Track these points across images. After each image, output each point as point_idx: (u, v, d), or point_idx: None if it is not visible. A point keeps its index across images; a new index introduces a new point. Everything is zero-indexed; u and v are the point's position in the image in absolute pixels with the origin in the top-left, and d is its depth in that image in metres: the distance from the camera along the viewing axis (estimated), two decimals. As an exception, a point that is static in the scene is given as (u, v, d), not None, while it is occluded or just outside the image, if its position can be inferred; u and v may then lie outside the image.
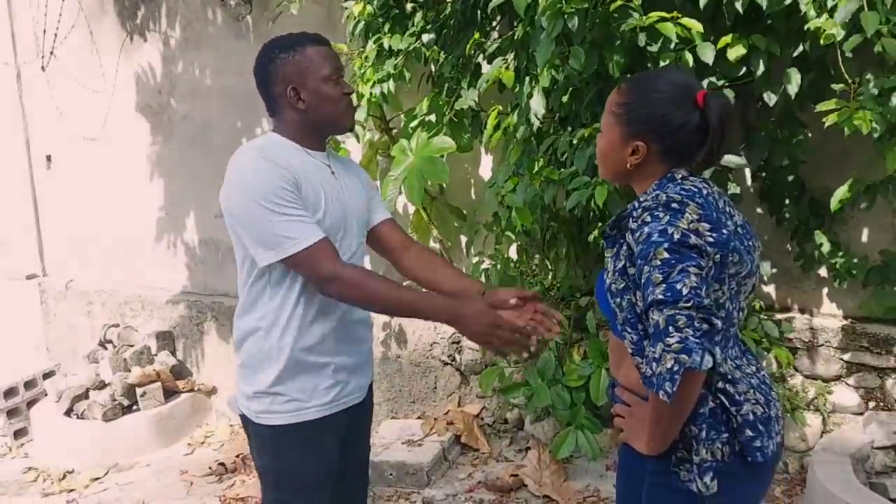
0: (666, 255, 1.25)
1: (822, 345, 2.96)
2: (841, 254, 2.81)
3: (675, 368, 1.21)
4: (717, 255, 1.30)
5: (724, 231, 1.32)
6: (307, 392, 1.75)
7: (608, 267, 1.45)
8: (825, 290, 3.00)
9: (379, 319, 3.83)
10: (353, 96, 1.81)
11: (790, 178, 2.86)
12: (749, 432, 1.37)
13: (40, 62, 4.69)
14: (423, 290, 1.88)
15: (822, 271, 2.96)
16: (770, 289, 3.11)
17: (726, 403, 1.36)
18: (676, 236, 1.26)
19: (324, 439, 1.78)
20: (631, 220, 1.37)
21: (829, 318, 2.99)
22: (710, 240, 1.29)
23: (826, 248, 2.80)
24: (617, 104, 1.44)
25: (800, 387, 2.97)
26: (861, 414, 2.91)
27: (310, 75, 1.73)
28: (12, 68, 4.80)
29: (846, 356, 2.91)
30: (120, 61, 4.48)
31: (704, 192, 1.37)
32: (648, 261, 1.26)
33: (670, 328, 1.22)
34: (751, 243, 1.43)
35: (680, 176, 1.40)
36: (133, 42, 4.44)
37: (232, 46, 4.09)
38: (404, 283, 2.17)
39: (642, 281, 1.29)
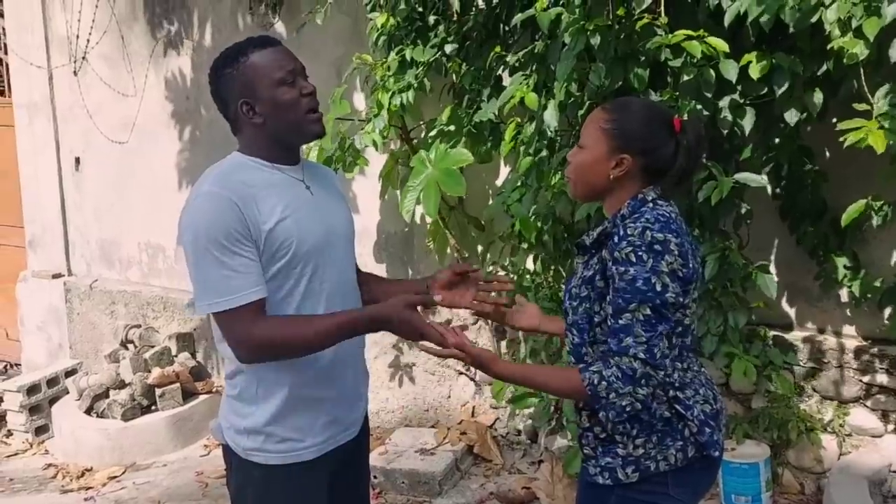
0: (649, 312, 1.44)
1: (841, 366, 2.92)
2: (860, 274, 2.78)
3: (629, 409, 1.46)
4: (683, 289, 1.48)
5: (691, 264, 1.49)
6: (303, 431, 1.63)
7: (577, 271, 1.62)
8: (845, 311, 2.97)
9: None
10: (315, 95, 1.63)
11: (811, 197, 2.84)
12: (707, 430, 1.53)
13: (72, 66, 4.80)
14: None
15: (842, 291, 2.93)
16: (790, 309, 3.08)
17: (681, 411, 1.52)
18: (659, 287, 1.44)
19: (315, 480, 1.66)
20: (613, 241, 1.49)
21: (849, 338, 2.96)
22: (681, 276, 1.46)
23: (844, 269, 2.77)
24: (605, 120, 1.56)
25: (816, 408, 2.94)
26: (879, 437, 2.87)
27: (259, 84, 1.57)
28: (45, 71, 4.91)
29: (865, 378, 2.88)
30: (149, 67, 4.57)
31: (673, 215, 1.53)
32: (631, 310, 1.44)
33: (643, 381, 1.44)
34: (699, 257, 1.59)
35: (651, 198, 1.54)
36: (162, 48, 4.52)
37: (258, 54, 4.15)
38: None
39: (614, 309, 1.46)
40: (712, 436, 1.54)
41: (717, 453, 1.56)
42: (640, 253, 1.44)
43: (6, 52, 5.15)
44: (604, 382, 1.45)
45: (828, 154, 2.85)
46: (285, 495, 1.64)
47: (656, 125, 1.55)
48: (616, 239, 1.48)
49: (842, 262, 2.80)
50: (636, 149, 1.53)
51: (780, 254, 3.04)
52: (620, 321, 1.45)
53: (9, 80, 5.19)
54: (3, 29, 5.15)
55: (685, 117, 1.81)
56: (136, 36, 4.60)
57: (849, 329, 2.98)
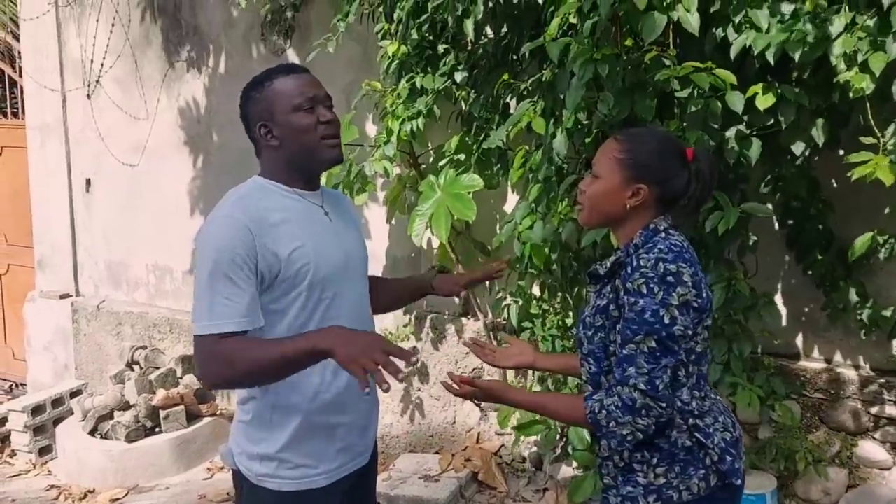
0: (654, 344, 1.44)
1: (849, 397, 2.91)
2: (868, 305, 2.78)
3: (630, 439, 1.46)
4: (696, 319, 1.48)
5: (705, 293, 1.51)
6: (316, 457, 1.64)
7: (589, 301, 1.62)
8: (852, 341, 2.96)
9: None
10: (335, 124, 1.67)
11: (817, 227, 2.85)
12: (728, 458, 1.53)
13: (86, 89, 4.87)
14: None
15: (850, 322, 2.93)
16: (797, 339, 3.07)
17: (701, 439, 1.51)
18: (667, 320, 1.44)
19: None
20: (626, 272, 1.50)
21: (856, 369, 2.95)
22: (696, 306, 1.47)
23: (852, 298, 2.77)
24: (620, 150, 1.57)
25: (824, 439, 2.92)
26: (888, 469, 2.84)
27: (277, 108, 1.61)
28: (58, 94, 4.98)
29: (873, 409, 2.86)
30: (162, 91, 4.63)
31: (685, 245, 1.55)
32: (637, 341, 1.45)
33: (643, 412, 1.44)
34: (710, 287, 1.62)
35: (663, 228, 1.55)
36: (175, 73, 4.58)
37: (269, 80, 4.20)
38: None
39: (622, 339, 1.47)
40: (733, 464, 1.53)
41: (738, 482, 1.55)
42: (651, 285, 1.45)
43: (21, 75, 5.22)
44: (604, 411, 1.46)
45: (835, 184, 2.87)
46: None
47: (670, 155, 1.57)
48: (629, 269, 1.49)
49: (849, 292, 2.80)
50: (651, 178, 1.55)
51: (786, 283, 3.04)
52: (625, 351, 1.46)
53: (23, 102, 5.26)
54: (19, 52, 5.23)
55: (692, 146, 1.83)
56: (149, 60, 4.67)
57: (856, 360, 2.97)
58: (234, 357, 1.50)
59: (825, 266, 2.87)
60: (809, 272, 2.93)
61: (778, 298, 3.04)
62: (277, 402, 1.62)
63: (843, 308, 2.83)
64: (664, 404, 1.45)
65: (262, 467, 1.63)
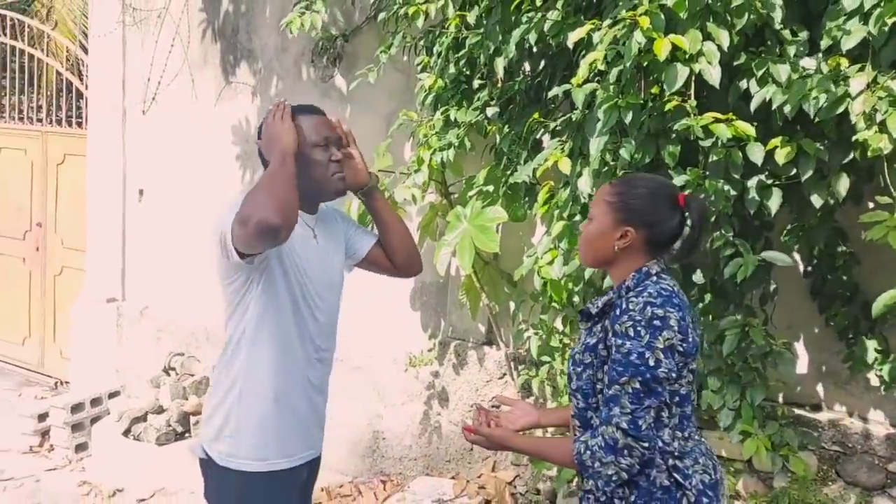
0: (638, 386, 1.50)
1: (867, 451, 2.87)
2: (890, 360, 2.75)
3: (615, 479, 1.51)
4: (681, 363, 1.52)
5: (691, 338, 1.54)
6: (280, 442, 1.83)
7: (580, 338, 1.68)
8: (873, 395, 2.93)
9: (424, 375, 3.92)
10: (342, 163, 1.95)
11: (843, 277, 2.84)
12: (704, 500, 1.56)
13: (144, 105, 5.11)
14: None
15: (871, 375, 2.90)
16: (818, 389, 3.05)
17: (679, 480, 1.55)
18: (651, 363, 1.50)
19: (289, 491, 1.84)
20: (615, 313, 1.56)
21: (876, 424, 2.91)
22: (681, 350, 1.52)
23: (874, 353, 2.75)
24: (611, 194, 1.65)
25: (839, 493, 2.88)
26: (904, 529, 2.80)
27: (299, 141, 1.86)
28: (119, 109, 5.24)
29: (890, 466, 2.82)
30: (216, 108, 4.84)
31: (675, 289, 1.59)
32: (622, 382, 1.51)
33: (625, 451, 1.50)
34: (699, 330, 1.64)
35: (654, 272, 1.60)
36: (229, 92, 4.79)
37: (317, 103, 4.32)
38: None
39: (608, 379, 1.54)
40: None
41: None
42: (638, 328, 1.51)
43: (87, 87, 5.51)
44: (588, 452, 1.52)
45: (863, 235, 2.85)
46: (263, 499, 1.80)
47: (660, 199, 1.63)
48: (618, 312, 1.55)
49: (872, 345, 2.78)
50: (639, 221, 1.61)
51: (809, 333, 3.03)
52: (610, 391, 1.52)
53: (87, 113, 5.55)
54: (87, 66, 5.53)
55: (689, 193, 1.90)
56: (204, 79, 4.89)
57: (876, 415, 2.93)
58: (256, 192, 1.69)
59: (848, 318, 2.86)
60: (832, 323, 2.91)
61: (800, 347, 3.03)
62: (246, 388, 1.81)
63: (864, 361, 2.81)
64: (646, 444, 1.50)
65: (228, 447, 1.81)
